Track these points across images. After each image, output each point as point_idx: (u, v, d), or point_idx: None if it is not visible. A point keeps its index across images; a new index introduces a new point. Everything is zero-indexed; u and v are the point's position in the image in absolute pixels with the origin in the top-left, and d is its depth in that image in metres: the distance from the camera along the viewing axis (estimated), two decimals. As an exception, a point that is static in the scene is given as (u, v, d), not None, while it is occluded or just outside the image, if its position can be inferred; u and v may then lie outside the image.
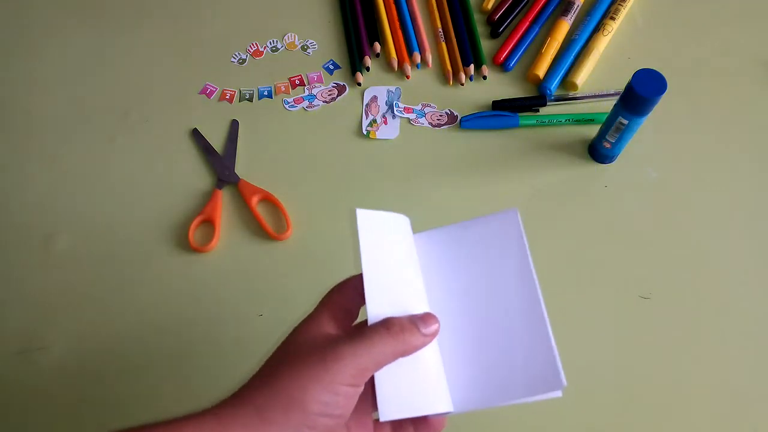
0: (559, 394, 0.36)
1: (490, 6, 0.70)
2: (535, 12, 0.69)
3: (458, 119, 0.64)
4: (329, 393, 0.32)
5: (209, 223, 0.60)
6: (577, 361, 0.53)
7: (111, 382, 0.53)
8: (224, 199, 0.61)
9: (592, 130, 0.63)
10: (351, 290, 0.37)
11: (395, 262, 0.39)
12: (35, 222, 0.61)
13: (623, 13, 0.68)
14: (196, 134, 0.64)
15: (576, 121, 0.63)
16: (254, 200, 0.60)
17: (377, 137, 0.64)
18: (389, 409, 0.35)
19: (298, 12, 0.71)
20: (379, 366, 0.34)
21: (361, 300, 0.37)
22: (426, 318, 0.36)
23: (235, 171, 0.62)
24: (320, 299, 0.37)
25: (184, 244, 0.59)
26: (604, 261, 0.57)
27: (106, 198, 0.62)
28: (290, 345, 0.35)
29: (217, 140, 0.64)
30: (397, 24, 0.69)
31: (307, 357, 0.33)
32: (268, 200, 0.61)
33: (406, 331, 0.35)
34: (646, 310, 0.55)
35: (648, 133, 0.63)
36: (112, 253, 0.59)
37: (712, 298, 0.56)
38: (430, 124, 0.64)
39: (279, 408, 0.32)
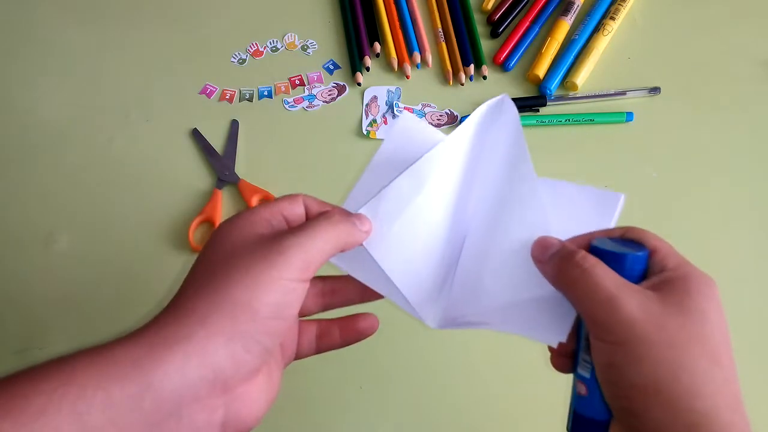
0: None
1: (490, 6, 0.70)
2: (535, 12, 0.69)
3: (458, 119, 0.64)
4: (279, 292, 0.29)
5: (209, 223, 0.60)
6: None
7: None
8: (224, 199, 0.61)
9: (593, 130, 0.63)
10: (299, 205, 0.35)
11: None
12: (35, 222, 0.61)
13: (623, 13, 0.68)
14: (196, 134, 0.64)
15: (576, 121, 0.63)
16: (254, 200, 0.60)
17: (377, 137, 0.64)
18: (376, 245, 0.35)
19: (298, 12, 0.71)
20: (324, 258, 0.32)
21: (302, 217, 0.36)
22: (361, 217, 0.36)
23: (235, 171, 0.62)
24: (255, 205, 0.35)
25: (184, 244, 0.59)
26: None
27: (106, 198, 0.62)
28: (224, 244, 0.31)
29: (217, 140, 0.64)
30: (397, 24, 0.69)
31: (248, 255, 0.30)
32: (268, 200, 0.61)
33: (345, 221, 0.34)
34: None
35: (648, 132, 0.63)
36: (112, 252, 0.59)
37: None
38: (430, 124, 0.64)
39: (226, 315, 0.28)
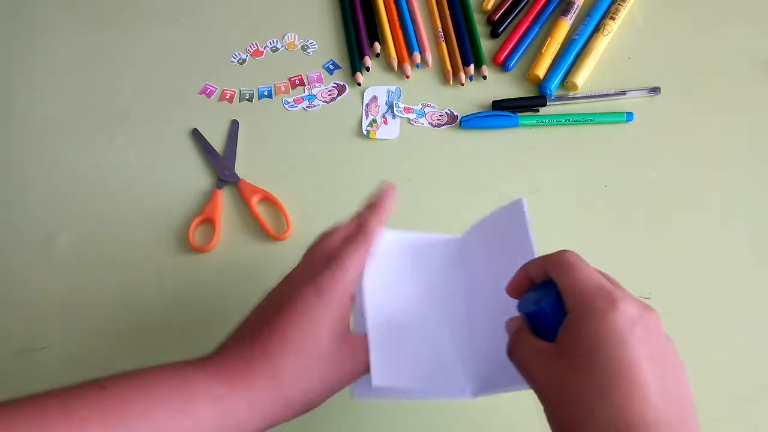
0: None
1: (490, 6, 0.70)
2: (535, 12, 0.69)
3: (458, 119, 0.64)
4: (324, 395, 0.36)
5: (209, 223, 0.60)
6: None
7: (111, 382, 0.53)
8: (224, 199, 0.61)
9: (593, 130, 0.63)
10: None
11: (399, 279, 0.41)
12: (35, 222, 0.61)
13: (623, 13, 0.68)
14: (196, 134, 0.64)
15: (576, 121, 0.63)
16: (254, 200, 0.60)
17: (377, 137, 0.64)
18: (381, 374, 0.36)
19: (298, 12, 0.71)
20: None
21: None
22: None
23: (235, 171, 0.62)
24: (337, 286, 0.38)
25: (184, 244, 0.59)
26: (604, 261, 0.57)
27: (106, 198, 0.62)
28: (304, 334, 0.36)
29: (217, 140, 0.64)
30: (397, 24, 0.69)
31: (314, 362, 0.35)
32: (268, 200, 0.61)
33: None
34: (646, 310, 0.55)
35: (648, 132, 0.63)
36: (112, 253, 0.59)
37: (713, 297, 0.56)
38: (430, 124, 0.64)
39: (279, 402, 0.35)
